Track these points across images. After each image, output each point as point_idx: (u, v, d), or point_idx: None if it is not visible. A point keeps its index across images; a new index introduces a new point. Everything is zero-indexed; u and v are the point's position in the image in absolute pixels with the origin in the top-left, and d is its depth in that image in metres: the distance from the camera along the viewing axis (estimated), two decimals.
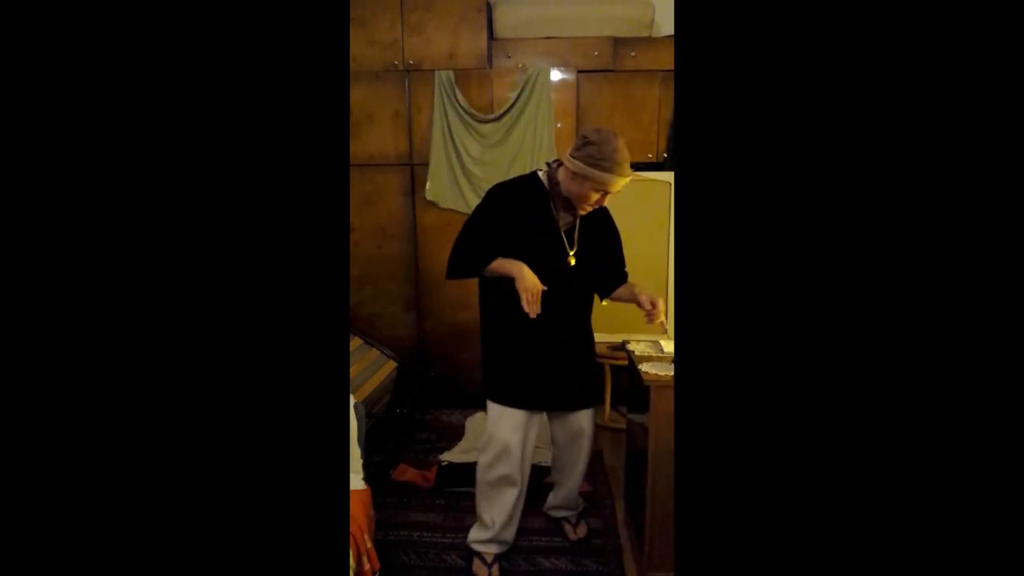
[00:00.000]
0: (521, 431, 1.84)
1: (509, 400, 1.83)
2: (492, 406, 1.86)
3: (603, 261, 1.86)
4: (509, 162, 2.97)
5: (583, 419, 1.94)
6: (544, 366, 1.81)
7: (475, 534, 1.95)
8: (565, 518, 2.15)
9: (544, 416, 1.95)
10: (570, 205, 1.74)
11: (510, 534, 1.94)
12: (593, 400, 1.97)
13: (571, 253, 1.78)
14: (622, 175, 1.62)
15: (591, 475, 2.50)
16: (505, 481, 1.86)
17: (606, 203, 1.73)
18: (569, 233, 1.79)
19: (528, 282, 1.67)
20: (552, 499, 2.15)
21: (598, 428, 2.91)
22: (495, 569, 1.91)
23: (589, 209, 1.73)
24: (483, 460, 1.88)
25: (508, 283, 1.70)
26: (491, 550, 1.93)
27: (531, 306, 1.67)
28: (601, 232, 1.85)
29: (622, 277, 1.93)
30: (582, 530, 2.13)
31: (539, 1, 3.04)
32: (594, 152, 1.61)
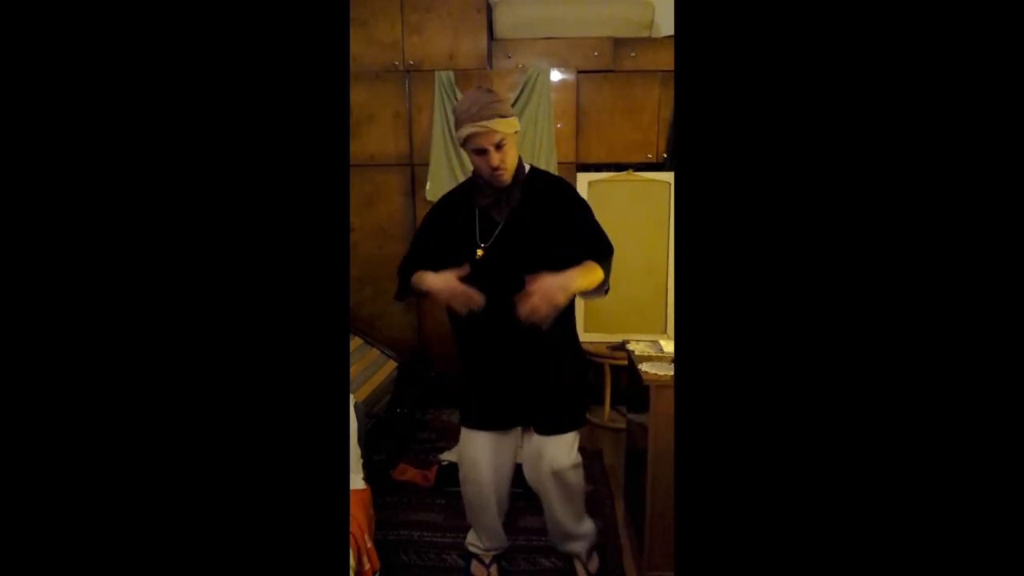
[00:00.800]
0: (490, 456, 1.69)
1: (464, 420, 1.73)
2: (461, 434, 1.77)
3: (551, 238, 1.56)
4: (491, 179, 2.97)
5: (557, 457, 1.62)
6: (489, 380, 1.61)
7: (471, 538, 1.94)
8: (576, 554, 1.88)
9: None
10: (490, 188, 1.56)
11: (500, 540, 1.90)
12: (564, 424, 1.63)
13: (481, 246, 1.57)
14: (482, 118, 1.43)
15: (591, 475, 2.50)
16: (477, 500, 1.78)
17: (509, 164, 1.51)
18: (491, 225, 1.58)
19: (437, 285, 1.48)
20: (549, 533, 1.90)
21: (598, 428, 2.90)
22: (493, 569, 1.90)
23: (497, 176, 1.51)
24: (463, 490, 1.81)
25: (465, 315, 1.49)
26: (488, 553, 1.92)
27: (461, 302, 1.44)
28: (548, 209, 1.58)
29: (595, 246, 1.56)
30: (594, 565, 1.90)
31: (539, 2, 3.05)
32: (457, 114, 1.48)
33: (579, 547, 1.86)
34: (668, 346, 2.03)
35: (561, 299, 1.38)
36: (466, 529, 2.03)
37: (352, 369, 2.63)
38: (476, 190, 1.61)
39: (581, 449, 1.75)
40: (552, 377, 1.60)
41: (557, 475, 1.65)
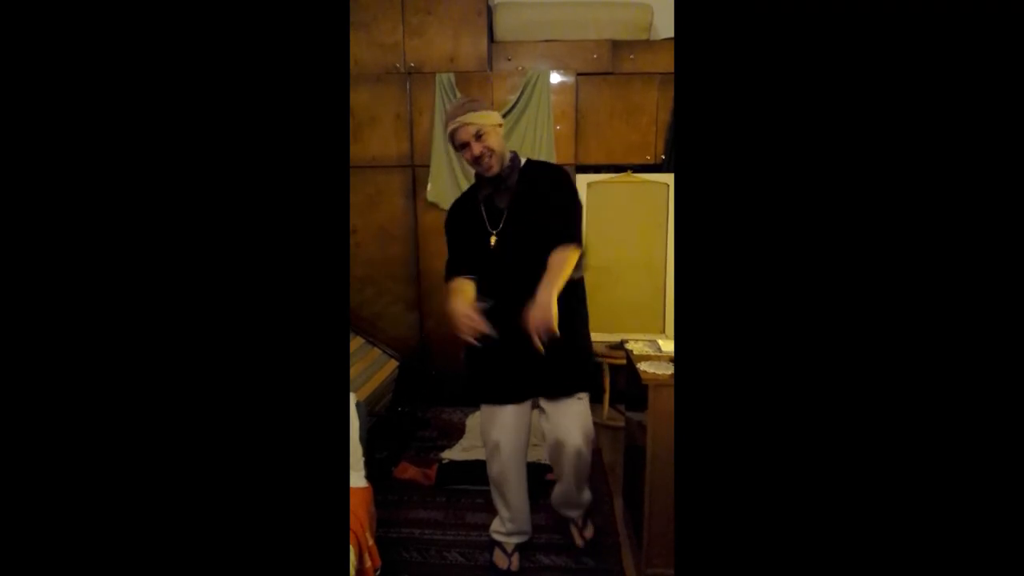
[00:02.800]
0: (504, 428, 1.81)
1: (481, 397, 1.83)
2: (481, 411, 1.88)
3: (541, 219, 1.68)
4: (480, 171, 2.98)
5: (570, 421, 1.76)
6: (503, 357, 1.71)
7: (494, 526, 2.00)
8: (572, 519, 2.06)
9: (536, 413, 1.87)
10: (488, 179, 1.72)
11: (524, 524, 1.96)
12: (570, 387, 1.76)
13: (492, 232, 1.72)
14: (457, 115, 1.64)
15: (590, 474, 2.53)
16: (502, 477, 1.88)
17: (494, 153, 1.66)
18: (497, 215, 1.72)
19: (452, 310, 1.60)
20: (553, 497, 2.05)
21: (597, 426, 2.93)
22: (515, 558, 1.95)
23: (484, 164, 1.66)
24: (488, 465, 1.92)
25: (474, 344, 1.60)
26: (511, 540, 1.97)
27: (467, 332, 1.56)
28: (542, 193, 1.71)
29: (559, 238, 1.63)
30: (589, 531, 2.08)
31: (539, 4, 3.07)
32: (444, 125, 1.72)
33: (576, 514, 2.04)
34: (666, 345, 2.05)
35: (551, 312, 1.50)
36: (467, 526, 2.07)
37: (354, 368, 2.65)
38: (479, 186, 1.77)
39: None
40: (560, 348, 1.63)
41: (574, 451, 1.78)
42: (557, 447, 1.79)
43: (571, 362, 1.76)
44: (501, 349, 1.65)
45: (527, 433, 1.87)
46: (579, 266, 1.67)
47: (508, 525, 1.95)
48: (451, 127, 1.65)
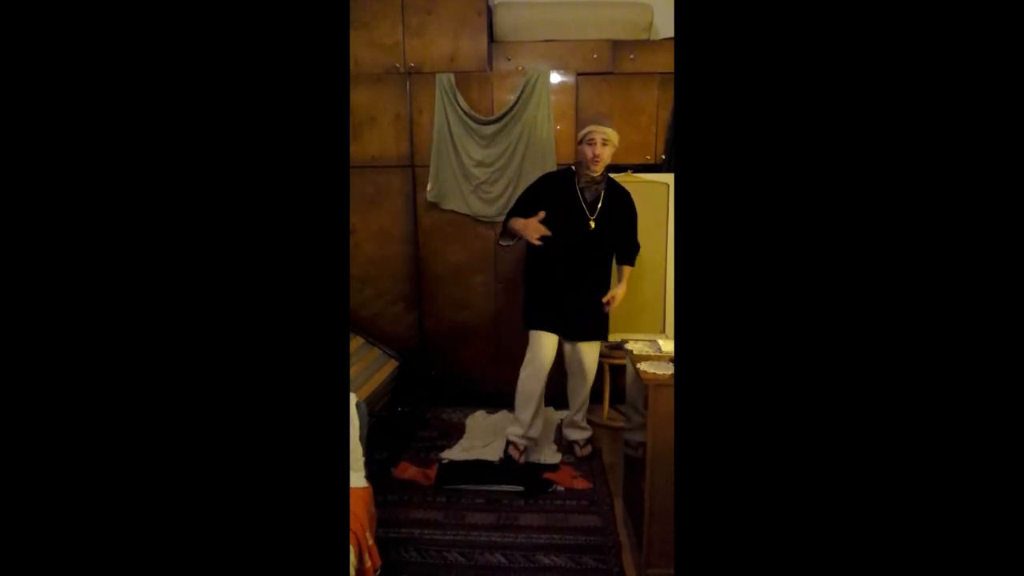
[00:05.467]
0: (549, 350, 2.53)
1: (540, 325, 2.52)
2: (531, 334, 2.56)
3: (619, 230, 2.49)
4: (509, 164, 3.00)
5: (587, 355, 2.58)
6: (565, 303, 2.47)
7: (512, 430, 2.61)
8: (575, 441, 2.71)
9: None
10: (590, 178, 2.41)
11: (536, 431, 2.61)
12: (598, 336, 2.58)
13: (591, 218, 2.42)
14: (590, 128, 2.34)
15: (590, 473, 2.54)
16: (535, 390, 2.54)
17: (603, 159, 2.35)
18: (592, 206, 2.43)
19: (522, 223, 2.40)
20: (564, 421, 2.78)
21: (597, 426, 2.94)
22: (524, 455, 2.60)
23: (595, 164, 2.35)
24: (523, 374, 2.56)
25: (538, 245, 2.37)
26: (522, 442, 2.60)
27: (532, 234, 2.34)
28: (621, 209, 2.49)
29: (634, 247, 2.55)
30: (587, 450, 2.71)
31: (539, 4, 3.07)
32: (581, 123, 2.52)
33: (577, 435, 2.73)
34: (667, 345, 2.05)
35: (620, 299, 2.47)
36: (466, 527, 2.11)
37: (354, 368, 2.65)
38: (575, 175, 2.46)
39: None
40: (587, 307, 2.48)
41: (589, 371, 2.62)
42: (578, 363, 2.61)
43: (598, 319, 2.54)
44: (561, 299, 2.47)
45: (553, 359, 2.56)
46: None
47: (522, 430, 2.57)
48: (589, 127, 2.33)
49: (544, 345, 2.54)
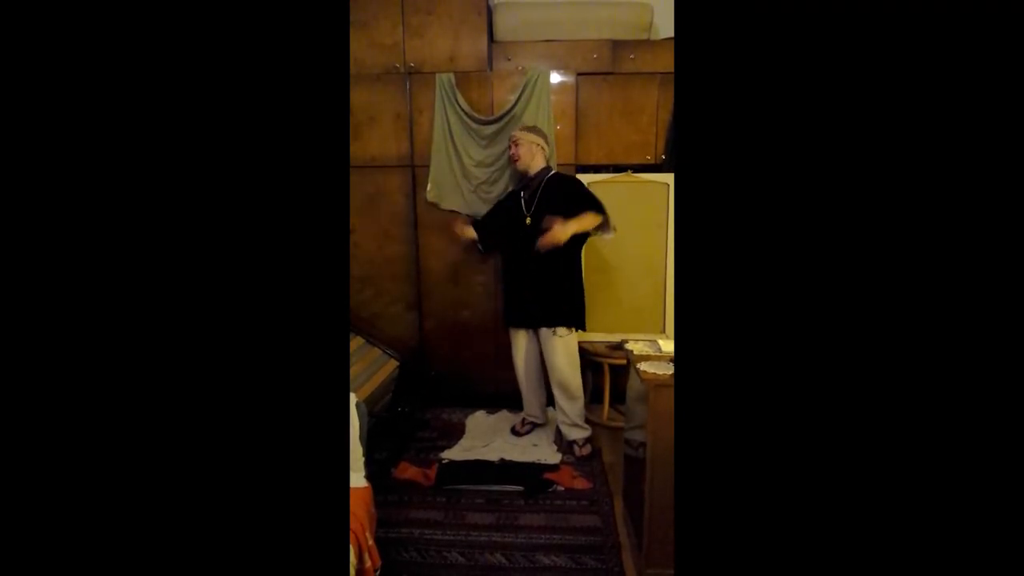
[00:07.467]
0: (520, 343, 2.78)
1: (508, 321, 2.79)
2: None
3: (555, 213, 2.52)
4: (509, 164, 3.00)
5: (551, 346, 2.67)
6: (518, 296, 2.69)
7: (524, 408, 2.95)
8: (575, 441, 2.74)
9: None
10: (526, 179, 2.68)
11: (537, 417, 2.93)
12: (554, 322, 2.65)
13: (527, 215, 2.63)
14: (521, 130, 2.67)
15: (590, 473, 2.54)
16: (520, 381, 2.85)
17: (519, 157, 2.64)
18: (529, 204, 2.64)
19: (456, 222, 2.81)
20: (559, 419, 2.81)
21: (597, 426, 2.95)
22: (527, 429, 2.92)
23: (514, 163, 2.69)
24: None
25: (499, 243, 2.78)
26: (529, 418, 2.93)
27: (456, 229, 2.75)
28: (558, 194, 2.59)
29: (584, 211, 2.52)
30: (586, 450, 2.74)
31: (539, 4, 3.06)
32: None
33: (576, 435, 2.74)
34: (666, 345, 2.05)
35: (560, 237, 2.43)
36: (467, 527, 2.13)
37: (354, 368, 2.65)
38: (522, 187, 2.70)
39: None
40: (538, 296, 2.63)
41: (550, 356, 2.69)
42: (546, 353, 2.72)
43: (551, 305, 2.65)
44: (515, 294, 2.69)
45: (538, 352, 2.75)
46: (606, 227, 2.55)
47: (525, 408, 2.90)
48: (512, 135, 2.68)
49: (513, 341, 2.82)
